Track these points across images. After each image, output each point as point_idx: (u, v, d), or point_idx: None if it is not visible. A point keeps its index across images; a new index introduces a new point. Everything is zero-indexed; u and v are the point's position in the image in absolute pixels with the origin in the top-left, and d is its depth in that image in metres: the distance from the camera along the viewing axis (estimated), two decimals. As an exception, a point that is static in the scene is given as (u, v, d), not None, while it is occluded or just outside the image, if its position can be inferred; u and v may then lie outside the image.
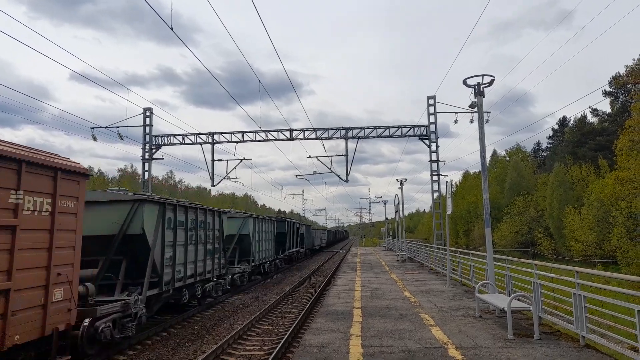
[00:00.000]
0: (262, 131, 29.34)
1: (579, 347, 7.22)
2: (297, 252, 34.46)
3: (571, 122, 64.89)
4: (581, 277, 7.68)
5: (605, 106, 58.46)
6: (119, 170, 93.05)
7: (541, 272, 9.17)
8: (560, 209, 45.79)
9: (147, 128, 30.07)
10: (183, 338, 10.80)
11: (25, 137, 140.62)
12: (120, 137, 27.33)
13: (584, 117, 60.68)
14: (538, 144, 78.34)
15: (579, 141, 57.01)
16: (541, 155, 75.61)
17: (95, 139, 27.61)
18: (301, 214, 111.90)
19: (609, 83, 54.40)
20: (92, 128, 27.44)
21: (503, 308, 8.29)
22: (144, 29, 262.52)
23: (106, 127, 27.65)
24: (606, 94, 55.18)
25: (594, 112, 59.41)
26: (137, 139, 29.96)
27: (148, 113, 29.93)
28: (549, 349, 7.17)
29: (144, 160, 30.20)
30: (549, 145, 74.30)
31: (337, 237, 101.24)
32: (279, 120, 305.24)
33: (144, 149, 30.02)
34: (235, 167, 30.75)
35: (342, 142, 29.32)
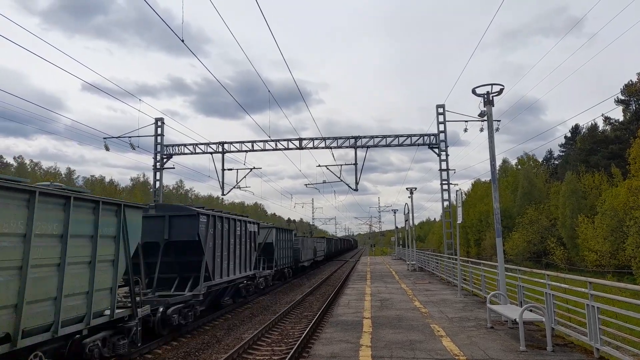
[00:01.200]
0: (272, 140, 29.52)
1: (593, 360, 7.10)
2: (251, 277, 18.19)
3: (583, 130, 64.33)
4: (594, 287, 7.57)
5: (618, 114, 57.91)
6: (131, 180, 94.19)
7: (554, 283, 9.06)
8: (573, 218, 45.20)
9: (159, 138, 30.41)
10: (193, 347, 10.82)
11: (39, 146, 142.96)
12: (132, 147, 27.67)
13: (595, 125, 60.11)
14: (550, 152, 77.62)
15: (591, 149, 56.39)
16: (553, 163, 74.87)
17: (107, 149, 27.99)
18: (311, 223, 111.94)
19: (621, 91, 53.93)
20: (105, 138, 27.83)
21: (515, 319, 8.20)
22: (153, 40, 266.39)
23: (118, 137, 28.02)
24: (619, 101, 54.64)
25: (607, 120, 58.84)
26: (149, 149, 30.31)
27: (159, 123, 30.30)
28: (562, 361, 7.06)
29: (155, 169, 30.50)
30: (561, 154, 73.59)
31: (344, 246, 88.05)
32: (287, 129, 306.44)
33: (155, 158, 30.34)
34: (245, 176, 30.94)
35: (351, 151, 29.30)
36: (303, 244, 33.01)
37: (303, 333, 11.57)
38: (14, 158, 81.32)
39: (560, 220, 48.46)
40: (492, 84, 11.15)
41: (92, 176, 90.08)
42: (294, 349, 9.70)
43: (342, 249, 78.73)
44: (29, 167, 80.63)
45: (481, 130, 24.45)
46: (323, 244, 47.33)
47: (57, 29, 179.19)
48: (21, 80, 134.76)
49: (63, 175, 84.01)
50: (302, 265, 32.75)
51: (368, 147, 28.85)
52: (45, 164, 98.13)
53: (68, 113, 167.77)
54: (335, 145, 29.14)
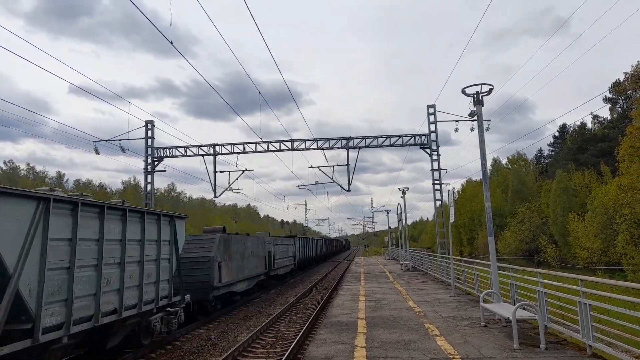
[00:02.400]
0: (264, 142, 29.47)
1: (586, 356, 7.16)
2: None
3: (571, 129, 65.09)
4: (586, 285, 7.63)
5: (606, 112, 58.66)
6: (122, 183, 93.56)
7: (546, 281, 9.13)
8: (563, 215, 45.65)
9: (149, 141, 30.22)
10: (187, 351, 10.74)
11: (26, 150, 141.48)
12: (123, 150, 27.48)
13: (583, 124, 60.82)
14: (540, 151, 78.39)
15: (579, 148, 57.05)
16: (543, 162, 75.62)
17: (97, 152, 27.78)
18: (304, 224, 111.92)
19: (609, 89, 54.59)
20: (95, 141, 27.63)
21: (508, 317, 8.24)
22: (140, 41, 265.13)
23: (108, 140, 27.82)
24: (607, 100, 55.33)
25: (595, 118, 59.58)
26: (139, 152, 30.11)
27: (150, 126, 30.12)
28: (555, 358, 7.12)
29: (146, 172, 30.30)
30: (550, 153, 74.35)
31: (333, 248, 72.74)
32: (278, 131, 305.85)
33: (146, 161, 30.14)
34: (237, 179, 30.84)
35: (343, 152, 29.31)
36: (229, 252, 16.30)
37: (298, 335, 11.55)
38: (4, 162, 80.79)
39: (552, 218, 48.91)
40: (481, 84, 11.22)
41: (78, 180, 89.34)
42: (288, 351, 9.67)
43: (329, 252, 64.47)
44: (23, 171, 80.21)
45: (472, 129, 24.59)
46: (290, 247, 29.65)
47: (41, 31, 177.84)
48: (6, 83, 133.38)
49: (54, 179, 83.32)
50: (227, 293, 16.36)
51: (360, 147, 28.89)
52: (36, 168, 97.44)
53: (55, 116, 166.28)
54: (327, 146, 29.16)
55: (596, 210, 39.79)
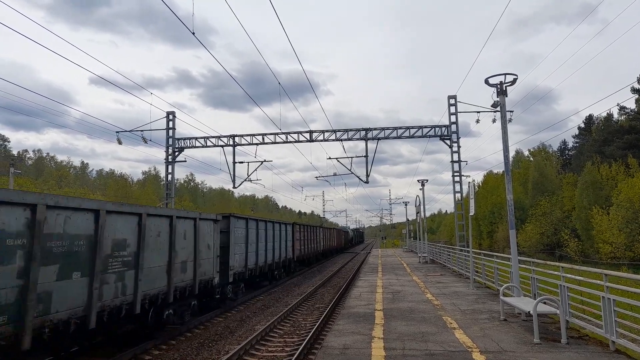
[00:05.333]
0: (283, 133, 29.52)
1: (608, 352, 7.02)
2: None
3: (597, 120, 63.33)
4: (610, 279, 7.46)
5: (633, 104, 56.80)
6: (143, 173, 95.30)
7: (568, 275, 8.96)
8: (588, 209, 44.61)
9: (170, 131, 30.58)
10: (207, 338, 10.93)
11: (50, 140, 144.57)
12: (145, 140, 27.88)
13: (610, 116, 59.09)
14: (564, 143, 76.54)
15: (605, 140, 55.49)
16: (567, 154, 73.85)
17: (120, 143, 28.28)
18: (322, 216, 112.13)
19: (637, 80, 52.84)
20: (118, 132, 28.11)
21: (529, 311, 8.12)
22: (157, 32, 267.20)
23: (130, 130, 28.24)
24: (635, 91, 53.56)
25: (622, 109, 57.80)
26: (159, 142, 30.52)
27: (171, 117, 30.46)
28: (577, 353, 7.00)
29: (167, 163, 30.72)
30: (575, 145, 72.54)
31: (322, 245, 38.04)
32: (296, 121, 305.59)
33: (167, 152, 30.53)
34: (256, 169, 31.03)
35: (361, 143, 29.13)
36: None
37: (315, 325, 11.63)
38: (34, 151, 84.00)
39: (576, 211, 47.84)
40: (505, 74, 10.97)
41: (101, 170, 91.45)
42: (306, 340, 9.75)
43: (302, 255, 29.37)
44: (46, 159, 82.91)
45: (493, 121, 24.20)
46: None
47: (61, 22, 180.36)
48: (29, 73, 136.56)
49: (77, 169, 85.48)
50: None
51: (379, 139, 28.70)
52: (59, 157, 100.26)
53: (77, 106, 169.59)
54: (346, 138, 29.06)
55: (621, 204, 38.77)
